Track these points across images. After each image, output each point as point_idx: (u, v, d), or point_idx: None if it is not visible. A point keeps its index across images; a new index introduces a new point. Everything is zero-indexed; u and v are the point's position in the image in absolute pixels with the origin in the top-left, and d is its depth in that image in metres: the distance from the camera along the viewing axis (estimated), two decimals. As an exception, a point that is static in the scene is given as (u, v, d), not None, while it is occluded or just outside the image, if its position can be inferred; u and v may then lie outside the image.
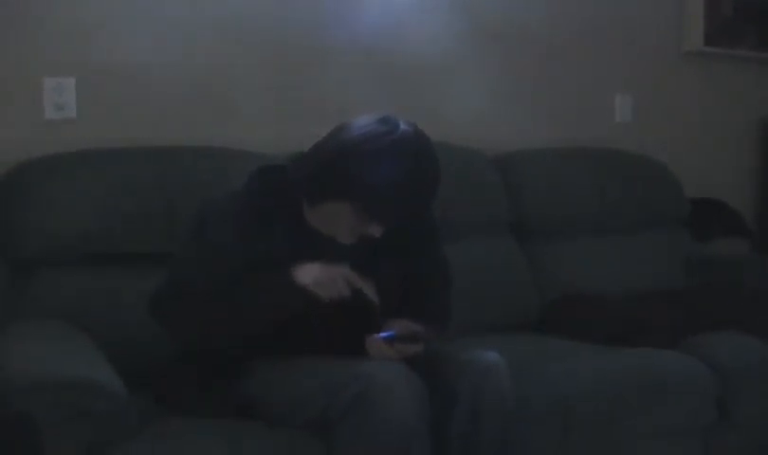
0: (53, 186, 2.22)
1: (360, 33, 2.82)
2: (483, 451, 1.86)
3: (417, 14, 2.93)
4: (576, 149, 3.19)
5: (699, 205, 3.38)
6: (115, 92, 2.47)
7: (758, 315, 2.70)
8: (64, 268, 2.19)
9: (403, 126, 1.88)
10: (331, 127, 1.96)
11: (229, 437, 1.82)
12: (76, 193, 2.22)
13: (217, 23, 2.61)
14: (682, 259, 3.23)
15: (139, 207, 2.25)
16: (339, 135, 1.90)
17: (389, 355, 1.84)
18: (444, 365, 1.89)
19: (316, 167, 1.91)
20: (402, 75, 2.91)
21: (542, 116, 3.23)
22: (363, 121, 1.89)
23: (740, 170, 3.76)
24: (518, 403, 2.08)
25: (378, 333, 1.87)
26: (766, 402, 2.55)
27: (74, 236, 2.19)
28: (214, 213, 1.93)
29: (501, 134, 3.09)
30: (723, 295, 2.85)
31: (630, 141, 3.34)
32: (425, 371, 1.84)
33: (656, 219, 3.23)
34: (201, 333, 1.89)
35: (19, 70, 2.36)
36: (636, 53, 3.42)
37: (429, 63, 2.97)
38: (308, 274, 1.82)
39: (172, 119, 2.54)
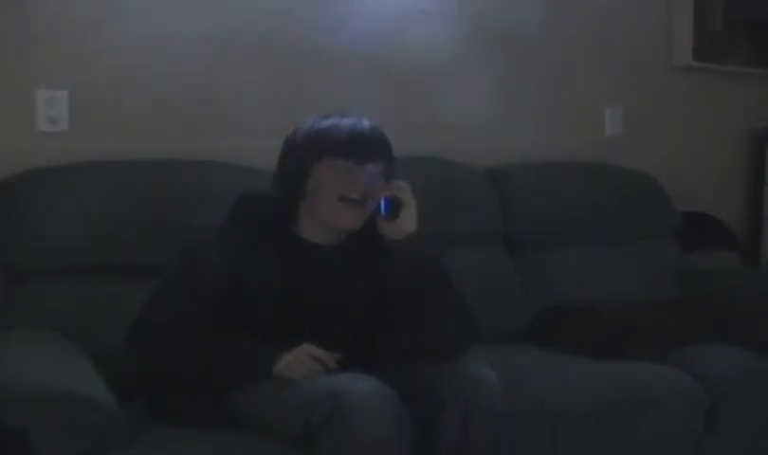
0: (45, 197, 2.22)
1: (357, 40, 2.82)
2: None
3: (413, 24, 2.93)
4: (567, 162, 3.20)
5: (688, 218, 3.39)
6: (107, 105, 2.47)
7: (747, 327, 2.72)
8: (54, 279, 2.19)
9: None
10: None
11: (219, 448, 1.83)
12: (67, 205, 2.22)
13: (211, 35, 2.61)
14: (671, 271, 3.24)
15: (130, 218, 2.25)
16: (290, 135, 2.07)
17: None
18: (436, 376, 1.89)
19: (284, 160, 2.04)
20: (397, 85, 2.92)
21: (533, 129, 3.24)
22: None
23: (730, 183, 3.77)
24: (507, 414, 2.09)
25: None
26: (754, 413, 2.56)
27: (65, 247, 2.19)
28: (201, 246, 1.98)
29: (492, 146, 3.10)
30: (712, 307, 2.86)
31: (619, 155, 3.36)
32: (417, 381, 1.86)
33: (646, 232, 3.24)
34: (169, 374, 1.96)
35: (12, 82, 2.36)
36: (626, 67, 3.44)
37: (422, 75, 2.97)
38: (281, 365, 1.88)
39: (164, 132, 2.54)
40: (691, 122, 3.62)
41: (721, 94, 3.69)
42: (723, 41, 3.64)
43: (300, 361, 1.87)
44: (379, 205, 1.99)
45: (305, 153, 1.99)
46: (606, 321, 2.71)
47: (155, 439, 1.85)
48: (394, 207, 1.99)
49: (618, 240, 3.15)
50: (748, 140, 3.80)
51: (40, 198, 2.22)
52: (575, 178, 3.13)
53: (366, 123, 2.03)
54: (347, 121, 2.01)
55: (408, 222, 1.99)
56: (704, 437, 2.49)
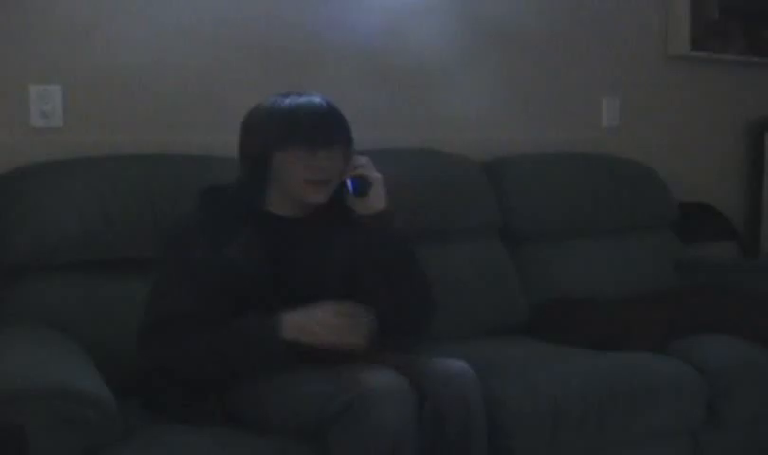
0: (39, 193, 2.21)
1: (355, 35, 2.82)
2: None
3: (410, 17, 2.93)
4: (564, 153, 3.19)
5: (686, 208, 3.39)
6: (101, 100, 2.46)
7: (746, 317, 2.71)
8: (49, 274, 2.18)
9: None
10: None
11: (218, 444, 1.82)
12: (62, 201, 2.21)
13: (207, 30, 2.60)
14: (670, 262, 3.23)
15: (125, 213, 2.24)
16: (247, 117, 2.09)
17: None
18: (411, 373, 1.89)
19: (246, 145, 2.05)
20: (395, 79, 2.92)
21: (530, 120, 3.24)
22: None
23: (728, 173, 3.77)
24: (505, 406, 2.10)
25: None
26: (754, 404, 2.56)
27: (59, 242, 2.18)
28: (186, 236, 1.99)
29: (489, 138, 3.10)
30: (711, 298, 2.85)
31: (617, 145, 3.36)
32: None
33: (644, 222, 3.24)
34: (190, 372, 1.93)
35: (5, 78, 2.35)
36: (623, 57, 3.43)
37: (420, 69, 2.97)
38: (303, 328, 1.86)
39: (158, 126, 2.53)
40: (689, 112, 3.62)
41: (718, 83, 3.69)
42: (720, 30, 3.63)
43: (324, 325, 1.86)
44: (347, 185, 2.03)
45: (265, 141, 2.00)
46: (605, 313, 2.71)
47: (153, 435, 1.84)
48: (362, 186, 2.03)
49: (617, 231, 3.15)
50: (746, 130, 3.80)
51: (34, 195, 2.21)
52: (572, 170, 3.12)
53: (323, 106, 2.03)
54: (305, 107, 2.01)
55: (377, 199, 2.03)
56: (705, 429, 2.48)
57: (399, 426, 1.75)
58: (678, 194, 3.36)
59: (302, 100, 2.03)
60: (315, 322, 1.87)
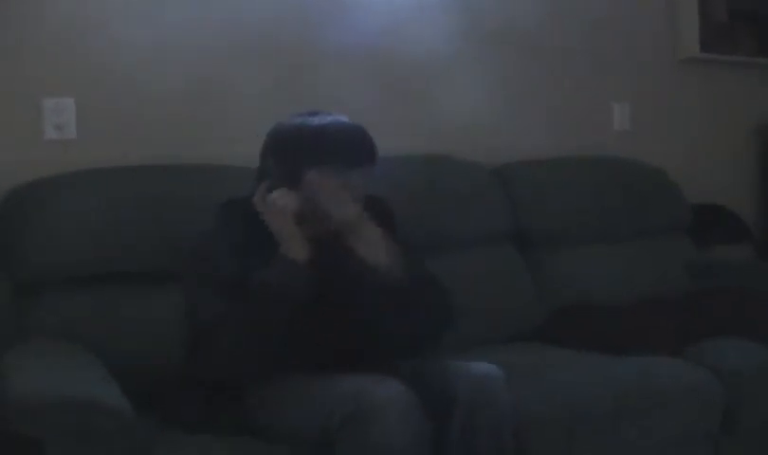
0: (53, 206, 2.22)
1: (360, 41, 2.82)
2: None
3: (416, 21, 2.93)
4: (576, 158, 3.19)
5: (700, 211, 3.38)
6: (114, 111, 2.47)
7: (762, 320, 2.70)
8: (64, 288, 2.19)
9: None
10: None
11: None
12: (76, 213, 2.22)
13: (216, 41, 2.61)
14: (684, 265, 3.22)
15: (139, 226, 2.25)
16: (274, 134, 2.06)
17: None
18: (441, 376, 1.90)
19: (273, 168, 2.01)
20: (403, 85, 2.92)
21: (541, 126, 3.23)
22: None
23: (739, 175, 3.76)
24: (522, 412, 2.09)
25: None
26: (773, 409, 2.55)
27: (74, 256, 2.19)
28: (208, 250, 1.98)
29: (499, 145, 3.09)
30: (726, 300, 2.84)
31: (629, 149, 3.35)
32: (424, 382, 1.87)
33: (657, 226, 3.23)
34: (249, 361, 1.91)
35: (18, 91, 2.36)
36: (633, 62, 3.43)
37: (427, 74, 2.98)
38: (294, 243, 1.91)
39: (172, 137, 2.54)
40: (700, 115, 3.62)
41: (728, 85, 3.68)
42: (729, 32, 3.62)
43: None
44: None
45: (297, 159, 1.97)
46: (619, 318, 2.70)
47: (171, 447, 1.85)
48: None
49: (629, 235, 3.14)
50: (757, 131, 3.79)
51: (47, 208, 2.21)
52: (584, 175, 3.12)
53: (354, 125, 2.02)
54: (335, 125, 2.00)
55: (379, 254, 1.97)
56: (722, 434, 2.47)
57: (401, 439, 1.74)
58: (690, 197, 3.36)
59: (331, 118, 2.02)
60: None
